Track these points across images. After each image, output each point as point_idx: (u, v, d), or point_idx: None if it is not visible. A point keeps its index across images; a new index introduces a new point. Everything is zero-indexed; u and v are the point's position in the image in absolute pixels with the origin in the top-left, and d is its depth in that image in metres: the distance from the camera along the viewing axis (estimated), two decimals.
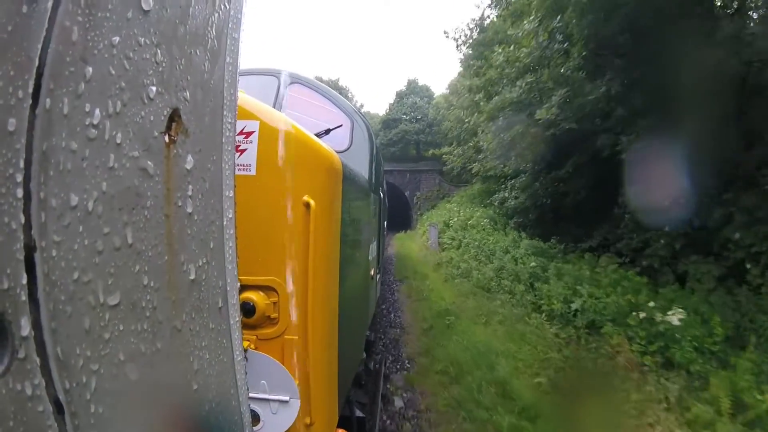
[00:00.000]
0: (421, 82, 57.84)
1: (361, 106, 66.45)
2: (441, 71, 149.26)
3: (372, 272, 5.07)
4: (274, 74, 4.43)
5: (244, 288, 2.21)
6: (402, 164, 46.05)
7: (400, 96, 56.12)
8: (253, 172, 2.32)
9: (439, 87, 75.16)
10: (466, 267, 15.30)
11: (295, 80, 4.49)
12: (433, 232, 23.53)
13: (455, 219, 23.96)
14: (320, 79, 49.12)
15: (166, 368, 0.80)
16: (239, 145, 2.29)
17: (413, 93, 55.58)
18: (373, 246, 5.31)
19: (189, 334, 0.87)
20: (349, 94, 60.68)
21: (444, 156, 37.71)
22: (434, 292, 13.60)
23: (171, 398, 0.83)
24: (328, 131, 4.03)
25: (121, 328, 0.68)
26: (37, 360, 0.54)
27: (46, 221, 0.56)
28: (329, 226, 2.59)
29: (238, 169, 2.22)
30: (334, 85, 56.71)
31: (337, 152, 2.92)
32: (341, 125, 4.35)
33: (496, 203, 22.21)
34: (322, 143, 2.70)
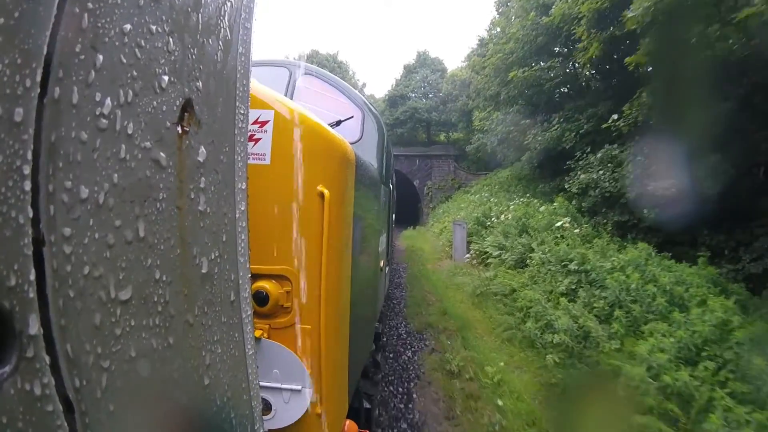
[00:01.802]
0: (432, 56, 49.37)
1: (364, 85, 57.79)
2: (454, 48, 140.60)
3: (381, 264, 5.04)
4: (286, 65, 4.46)
5: (257, 277, 2.26)
6: (410, 148, 38.85)
7: (409, 70, 47.78)
8: (267, 161, 2.33)
9: (453, 62, 65.69)
10: (576, 331, 7.20)
11: (307, 72, 4.49)
12: (459, 233, 16.29)
13: (503, 216, 15.72)
14: (317, 53, 41.16)
15: (178, 363, 0.79)
16: (254, 134, 2.32)
17: (424, 66, 47.44)
18: (383, 238, 5.31)
19: (201, 329, 0.86)
20: (350, 72, 52.79)
21: (477, 123, 28.93)
22: (518, 404, 5.68)
23: (183, 394, 0.82)
24: (339, 122, 3.97)
25: (133, 324, 0.67)
26: (46, 359, 0.53)
27: (55, 215, 0.55)
28: (342, 216, 2.59)
29: (253, 159, 2.27)
30: (333, 59, 50.17)
31: (349, 143, 2.92)
32: (352, 116, 4.29)
33: (574, 190, 13.91)
34: (337, 134, 2.71)
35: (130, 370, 0.66)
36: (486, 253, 13.56)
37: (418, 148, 38.94)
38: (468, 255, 15.03)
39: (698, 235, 10.60)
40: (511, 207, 16.68)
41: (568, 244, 10.48)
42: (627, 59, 11.56)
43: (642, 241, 10.70)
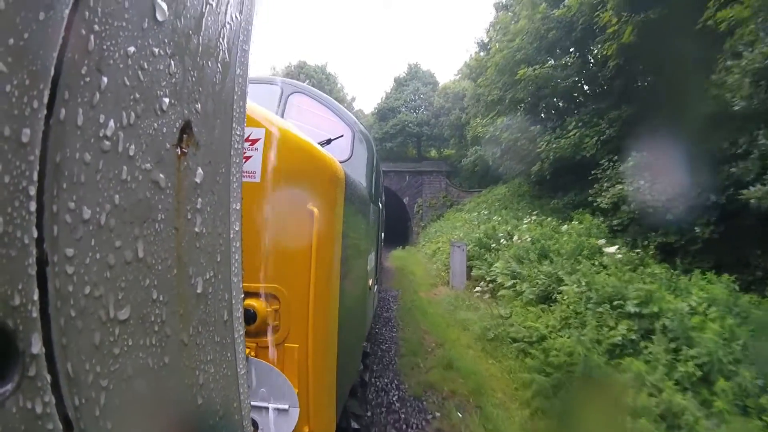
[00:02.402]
0: (424, 69, 48.15)
1: (353, 99, 56.23)
2: (445, 63, 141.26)
3: (370, 282, 4.99)
4: (277, 83, 4.43)
5: (245, 295, 2.22)
6: (400, 164, 37.32)
7: (400, 83, 46.62)
8: (257, 179, 2.33)
9: (445, 77, 63.89)
10: (655, 407, 4.75)
11: (298, 90, 4.47)
12: (458, 256, 13.85)
13: (516, 238, 13.11)
14: (305, 64, 39.16)
15: (173, 382, 0.80)
16: (244, 152, 2.11)
17: (415, 78, 46.28)
18: (372, 257, 5.28)
19: (195, 348, 0.87)
20: (338, 84, 51.13)
21: (480, 130, 23.62)
22: None
23: (177, 413, 0.82)
24: (329, 141, 3.92)
25: (131, 343, 0.68)
26: (48, 377, 0.53)
27: (58, 235, 0.55)
28: (331, 234, 2.57)
29: (243, 176, 1.82)
30: (321, 71, 48.82)
31: (339, 162, 2.92)
32: (342, 135, 4.24)
33: (604, 205, 11.65)
34: (326, 152, 2.70)
35: (127, 389, 0.66)
36: (493, 281, 11.09)
37: (408, 164, 37.38)
38: (479, 288, 12.33)
39: (750, 255, 8.68)
40: (524, 227, 14.01)
41: (609, 274, 8.05)
42: (721, 14, 9.08)
43: (691, 265, 8.58)
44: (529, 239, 12.03)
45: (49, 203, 0.53)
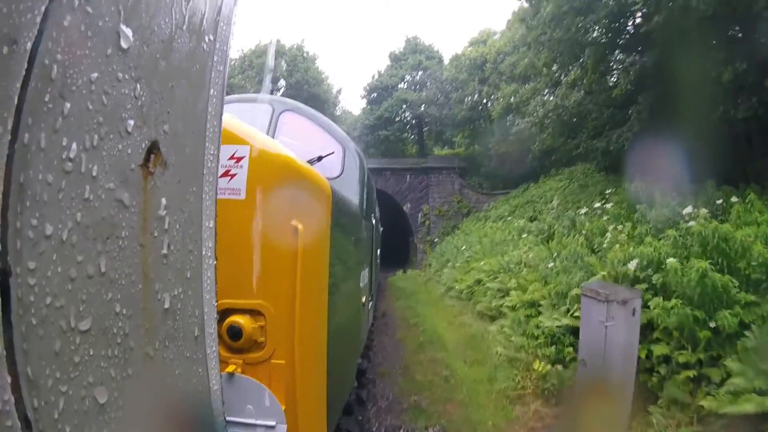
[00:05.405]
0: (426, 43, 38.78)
1: (339, 91, 46.20)
2: (448, 43, 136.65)
3: (363, 299, 5.03)
4: (268, 102, 4.56)
5: (231, 312, 2.29)
6: (398, 160, 29.62)
7: (396, 59, 37.37)
8: (242, 197, 2.36)
9: (450, 53, 52.14)
10: None
11: (289, 108, 4.59)
12: (622, 329, 4.41)
13: None
14: (277, 42, 37.30)
15: (137, 394, 0.82)
16: (229, 170, 2.36)
17: (415, 53, 37.57)
18: (365, 273, 5.31)
19: (162, 362, 0.90)
20: (316, 64, 40.13)
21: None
22: None
23: (141, 423, 0.85)
24: (320, 158, 4.00)
25: (92, 353, 0.71)
26: (8, 378, 0.57)
27: (21, 249, 0.59)
28: (317, 250, 2.60)
29: (228, 194, 2.31)
30: (299, 49, 39.07)
31: (329, 179, 2.98)
32: (333, 152, 4.34)
33: None
34: (312, 168, 2.76)
35: (87, 396, 0.69)
36: None
37: (410, 160, 30.09)
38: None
39: None
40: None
41: None
42: None
43: None
44: None
45: (13, 220, 0.57)
